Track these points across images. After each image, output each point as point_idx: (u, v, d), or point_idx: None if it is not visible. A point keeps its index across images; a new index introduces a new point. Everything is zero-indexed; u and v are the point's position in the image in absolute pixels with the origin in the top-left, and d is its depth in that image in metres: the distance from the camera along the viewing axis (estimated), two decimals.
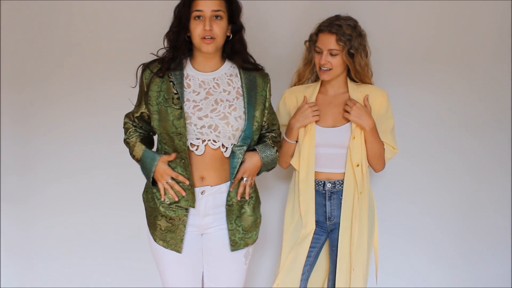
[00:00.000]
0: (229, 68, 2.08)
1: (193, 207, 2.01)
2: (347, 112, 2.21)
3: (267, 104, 2.11)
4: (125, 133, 2.13)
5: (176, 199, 2.00)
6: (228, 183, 2.03)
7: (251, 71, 2.07)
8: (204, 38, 1.95)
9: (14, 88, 2.84)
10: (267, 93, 2.11)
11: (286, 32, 2.71)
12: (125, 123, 2.14)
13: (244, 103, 2.02)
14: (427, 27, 2.74)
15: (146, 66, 2.04)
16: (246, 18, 2.70)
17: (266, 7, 2.72)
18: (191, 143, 1.98)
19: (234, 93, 2.03)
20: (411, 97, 2.77)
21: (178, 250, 2.03)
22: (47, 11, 2.79)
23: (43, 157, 2.87)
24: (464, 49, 2.75)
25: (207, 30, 1.93)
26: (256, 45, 2.72)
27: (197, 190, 2.01)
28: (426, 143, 2.81)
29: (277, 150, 2.12)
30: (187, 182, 1.98)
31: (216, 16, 1.96)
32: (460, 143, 2.81)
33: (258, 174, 2.12)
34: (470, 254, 2.87)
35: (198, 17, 1.95)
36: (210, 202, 2.02)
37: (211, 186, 2.01)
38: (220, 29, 1.96)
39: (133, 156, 2.10)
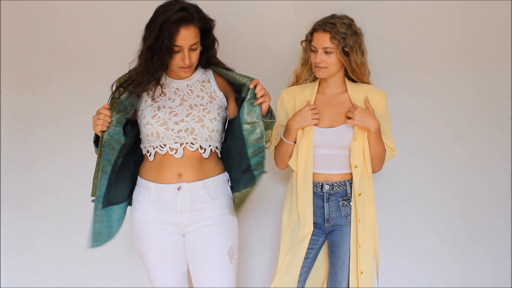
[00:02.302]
0: (201, 75, 2.16)
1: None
2: (350, 118, 2.20)
3: None
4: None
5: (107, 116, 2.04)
6: (205, 180, 2.08)
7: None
8: (182, 67, 2.03)
9: (14, 88, 2.86)
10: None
11: (284, 32, 2.71)
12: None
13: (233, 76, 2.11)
14: (427, 27, 2.74)
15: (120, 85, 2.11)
16: (244, 18, 2.72)
17: (264, 7, 2.72)
18: (170, 147, 2.06)
19: (208, 98, 2.11)
20: (409, 97, 2.76)
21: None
22: (47, 11, 2.80)
23: (43, 156, 2.88)
24: (464, 49, 2.75)
25: (186, 63, 2.01)
26: (255, 46, 2.75)
27: (173, 186, 2.06)
28: (425, 143, 2.80)
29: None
30: (109, 114, 2.04)
31: (193, 49, 2.02)
32: (460, 143, 2.80)
33: (265, 119, 2.09)
34: (470, 254, 2.86)
35: (177, 51, 2.00)
36: (187, 199, 2.07)
37: (187, 182, 2.06)
38: (195, 56, 2.05)
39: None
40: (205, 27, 2.04)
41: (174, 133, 2.04)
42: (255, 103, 2.04)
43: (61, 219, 2.90)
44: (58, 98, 2.84)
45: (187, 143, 2.06)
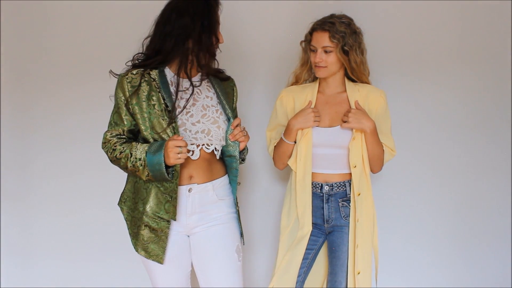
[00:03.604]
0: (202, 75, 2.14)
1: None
2: (345, 122, 2.20)
3: (234, 106, 2.20)
4: (108, 150, 2.05)
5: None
6: (214, 181, 2.08)
7: (219, 79, 2.15)
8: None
9: (14, 87, 2.86)
10: (234, 95, 2.20)
11: (284, 32, 2.71)
12: (107, 141, 2.06)
13: (224, 106, 2.09)
14: (426, 26, 2.74)
15: (124, 77, 2.04)
16: (243, 18, 2.72)
17: (264, 7, 2.72)
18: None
19: (215, 98, 2.11)
20: (410, 97, 2.76)
21: (160, 261, 2.05)
22: (47, 11, 2.80)
23: (43, 155, 2.88)
24: (464, 48, 2.75)
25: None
26: (254, 45, 2.74)
27: (184, 188, 2.04)
28: (426, 142, 2.80)
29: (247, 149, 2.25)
30: (187, 145, 1.97)
31: None
32: (460, 143, 2.81)
33: (240, 157, 2.15)
34: (470, 254, 2.87)
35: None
36: (197, 200, 2.06)
37: (197, 184, 2.05)
38: None
39: (135, 162, 1.99)
40: None
41: (192, 134, 2.02)
42: (231, 139, 2.06)
43: (61, 219, 2.90)
44: (58, 97, 2.84)
45: (203, 144, 2.04)
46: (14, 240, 2.92)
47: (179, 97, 2.02)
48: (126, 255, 2.86)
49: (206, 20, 1.97)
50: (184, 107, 2.01)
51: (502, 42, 2.73)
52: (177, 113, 1.99)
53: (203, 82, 2.11)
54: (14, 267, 2.93)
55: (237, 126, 2.06)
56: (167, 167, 1.95)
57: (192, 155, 2.03)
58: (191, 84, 2.02)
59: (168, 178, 1.96)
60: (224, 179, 2.14)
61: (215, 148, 2.07)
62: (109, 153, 2.05)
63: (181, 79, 2.04)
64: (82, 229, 2.90)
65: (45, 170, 2.88)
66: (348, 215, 2.26)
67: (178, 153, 1.90)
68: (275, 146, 2.35)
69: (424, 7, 2.72)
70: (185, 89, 2.04)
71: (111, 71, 2.07)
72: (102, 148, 2.09)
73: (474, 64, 2.76)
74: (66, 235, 2.90)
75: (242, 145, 2.10)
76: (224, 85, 2.15)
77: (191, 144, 2.03)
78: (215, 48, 2.04)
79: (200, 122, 2.04)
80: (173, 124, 1.97)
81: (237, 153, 2.09)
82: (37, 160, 2.89)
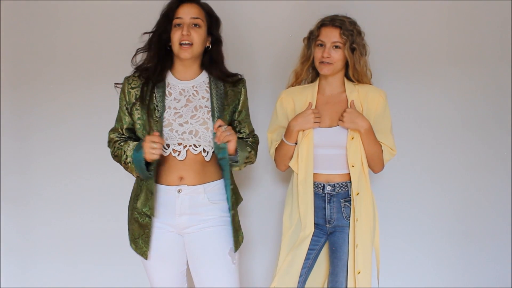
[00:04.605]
0: (207, 77, 2.15)
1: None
2: (341, 121, 2.21)
3: (239, 108, 2.17)
4: (111, 147, 2.15)
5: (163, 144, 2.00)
6: (206, 184, 2.08)
7: (224, 81, 2.14)
8: (182, 44, 2.03)
9: (14, 88, 2.86)
10: (240, 98, 2.17)
11: (283, 32, 2.71)
12: (110, 140, 2.16)
13: (214, 108, 2.08)
14: (427, 27, 2.74)
15: (126, 79, 2.13)
16: (242, 18, 2.72)
17: (263, 7, 2.73)
18: (173, 149, 2.05)
19: (211, 100, 2.11)
20: (410, 97, 2.77)
21: (145, 256, 2.10)
22: (47, 11, 2.80)
23: (44, 157, 2.88)
24: (464, 48, 2.75)
25: (185, 35, 2.01)
26: (253, 46, 2.75)
27: (174, 189, 2.06)
28: (426, 143, 2.81)
29: (250, 152, 2.14)
30: (163, 142, 2.00)
31: (195, 24, 2.04)
32: (460, 143, 2.81)
33: (232, 159, 2.08)
34: (470, 254, 2.87)
35: (178, 24, 2.04)
36: (187, 202, 2.07)
37: (188, 185, 2.06)
38: (198, 36, 2.04)
39: (126, 159, 2.06)
40: (210, 14, 2.10)
41: (178, 135, 2.04)
42: (217, 141, 1.99)
43: (61, 220, 2.90)
44: (58, 98, 2.84)
45: (190, 145, 2.05)
46: (14, 241, 2.92)
47: (172, 98, 2.07)
48: (126, 255, 2.84)
49: (159, 19, 2.06)
50: (166, 107, 2.05)
51: (502, 43, 2.74)
52: (162, 112, 2.04)
53: (203, 83, 2.12)
54: (14, 268, 2.93)
55: (219, 127, 1.99)
56: (148, 164, 2.01)
57: (178, 155, 2.05)
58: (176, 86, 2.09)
59: (148, 175, 2.02)
60: (218, 183, 2.12)
61: (203, 149, 2.07)
62: (111, 150, 2.15)
63: (175, 81, 2.10)
64: (82, 230, 2.90)
65: (46, 171, 2.88)
66: (350, 215, 2.26)
67: (155, 149, 1.95)
68: (276, 148, 2.35)
69: (422, 8, 2.72)
70: (180, 91, 2.09)
71: (116, 84, 2.15)
72: (108, 146, 2.17)
73: (474, 64, 2.76)
74: (66, 236, 2.90)
75: (231, 145, 2.00)
76: (227, 87, 2.14)
77: (178, 145, 2.05)
78: (173, 39, 2.04)
79: (188, 123, 2.05)
80: (157, 123, 2.02)
81: (226, 156, 2.05)
82: (37, 162, 2.88)
